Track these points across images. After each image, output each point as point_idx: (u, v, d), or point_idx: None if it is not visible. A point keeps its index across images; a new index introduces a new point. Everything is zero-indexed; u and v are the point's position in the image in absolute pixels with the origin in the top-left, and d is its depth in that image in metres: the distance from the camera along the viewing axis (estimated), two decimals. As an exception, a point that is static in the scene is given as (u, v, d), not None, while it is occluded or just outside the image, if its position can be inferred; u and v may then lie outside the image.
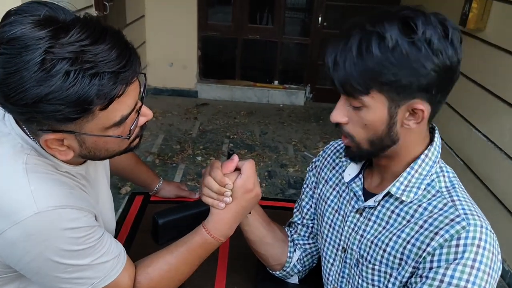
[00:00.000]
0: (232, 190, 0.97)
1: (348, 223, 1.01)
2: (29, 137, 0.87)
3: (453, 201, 0.85)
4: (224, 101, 5.15)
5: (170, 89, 5.14)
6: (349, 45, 0.79)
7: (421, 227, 0.86)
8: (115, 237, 1.40)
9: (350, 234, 1.00)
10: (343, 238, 1.02)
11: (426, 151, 0.90)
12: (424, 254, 0.83)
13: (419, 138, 0.89)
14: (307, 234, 1.18)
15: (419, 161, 0.89)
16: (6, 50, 0.73)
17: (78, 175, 0.96)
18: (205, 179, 0.97)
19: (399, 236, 0.89)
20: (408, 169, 0.89)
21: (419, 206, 0.88)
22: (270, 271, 1.20)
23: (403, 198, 0.89)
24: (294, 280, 1.20)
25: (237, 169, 0.99)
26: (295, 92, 5.19)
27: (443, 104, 0.86)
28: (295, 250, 1.17)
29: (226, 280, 1.26)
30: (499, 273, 0.82)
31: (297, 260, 1.17)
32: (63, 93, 0.73)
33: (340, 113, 0.87)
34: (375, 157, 0.94)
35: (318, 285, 1.11)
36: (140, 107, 0.89)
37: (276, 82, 5.27)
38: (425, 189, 0.89)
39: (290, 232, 1.20)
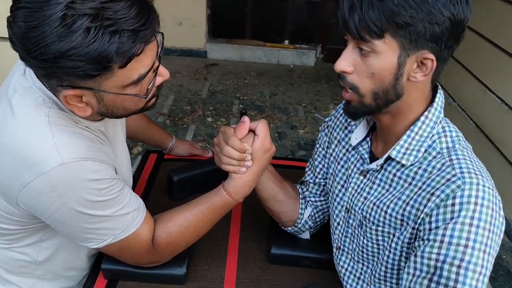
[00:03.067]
0: (251, 153, 0.98)
1: (352, 184, 1.02)
2: (50, 91, 0.88)
3: (451, 160, 0.85)
4: (234, 61, 5.10)
5: (179, 49, 5.09)
6: None
7: (419, 188, 0.86)
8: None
9: (353, 195, 1.01)
10: (346, 199, 1.04)
11: (426, 112, 0.89)
12: (422, 215, 0.84)
13: (422, 96, 0.89)
14: (318, 192, 1.20)
15: (419, 123, 0.89)
16: (28, 4, 0.73)
17: (97, 131, 0.98)
18: (224, 149, 0.97)
19: (399, 198, 0.90)
20: (408, 132, 0.89)
21: (419, 168, 0.88)
22: (282, 227, 1.23)
23: (403, 161, 0.90)
24: (306, 235, 1.23)
25: (250, 130, 1.00)
26: (305, 52, 5.13)
27: (447, 63, 0.85)
28: (306, 207, 1.19)
29: (240, 235, 1.30)
30: (502, 228, 0.83)
31: (308, 217, 1.19)
32: (83, 49, 0.74)
33: (346, 62, 0.85)
34: (377, 114, 0.92)
35: (328, 240, 1.14)
36: (158, 66, 0.89)
37: (286, 42, 5.20)
38: (425, 151, 0.89)
39: (302, 189, 1.22)
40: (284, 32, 5.17)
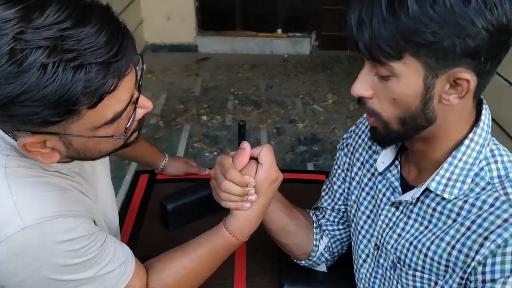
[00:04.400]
0: (255, 186, 0.83)
1: (382, 217, 0.87)
2: (8, 134, 0.72)
3: (506, 194, 0.70)
4: (226, 54, 4.91)
5: (169, 45, 4.90)
6: None
7: (468, 228, 0.71)
8: (120, 225, 1.29)
9: (384, 230, 0.86)
10: (375, 233, 0.89)
11: (471, 134, 0.73)
12: (474, 263, 0.69)
13: (463, 117, 0.73)
14: (337, 220, 1.04)
15: (462, 148, 0.73)
16: None
17: (71, 173, 0.82)
18: (222, 184, 0.82)
19: (442, 239, 0.75)
20: (449, 159, 0.74)
21: (465, 202, 0.73)
22: (295, 260, 1.08)
23: (445, 195, 0.74)
24: (322, 268, 1.08)
25: (252, 158, 0.85)
26: (300, 41, 4.93)
27: (493, 76, 0.69)
28: (322, 237, 1.04)
29: (246, 269, 1.15)
30: None
31: (324, 248, 1.04)
32: (39, 92, 0.58)
33: (363, 85, 0.71)
34: (408, 141, 0.78)
35: (350, 272, 0.99)
36: (137, 98, 0.73)
37: (279, 31, 5.00)
38: (472, 181, 0.73)
39: (316, 216, 1.07)
40: (277, 20, 4.97)
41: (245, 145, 0.84)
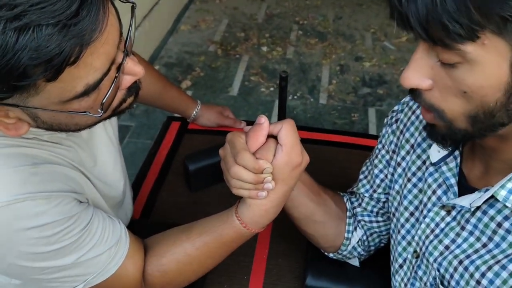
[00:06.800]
0: (273, 172, 0.66)
1: (427, 219, 0.69)
2: None
3: None
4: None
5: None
6: None
7: None
8: (141, 179, 1.19)
9: (427, 237, 0.69)
10: (416, 238, 0.71)
11: None
12: None
13: None
14: (376, 210, 0.87)
15: None
16: None
17: (56, 139, 0.70)
18: (232, 169, 0.66)
19: (504, 267, 0.57)
20: None
21: None
22: (322, 251, 0.93)
23: None
24: (354, 262, 0.92)
25: (271, 136, 0.68)
26: (378, -35, 4.42)
27: None
28: (355, 229, 0.87)
29: (269, 248, 1.02)
30: None
31: (358, 242, 0.88)
32: None
33: (417, 73, 0.53)
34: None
35: (386, 272, 0.83)
36: (120, 64, 0.58)
37: (356, -47, 4.50)
38: None
39: (352, 203, 0.89)
40: None
41: (262, 119, 0.67)
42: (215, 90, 2.94)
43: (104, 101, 0.57)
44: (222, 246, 0.77)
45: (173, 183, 1.18)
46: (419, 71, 0.53)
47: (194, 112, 1.30)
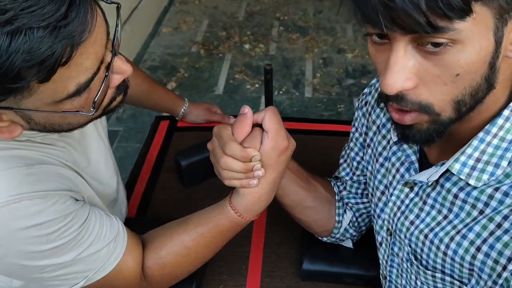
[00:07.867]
0: (261, 159, 0.69)
1: (393, 197, 0.71)
2: None
3: None
4: (274, -26, 4.56)
5: (213, -36, 4.60)
6: None
7: (498, 226, 0.55)
8: (134, 179, 1.20)
9: (395, 215, 0.71)
10: (386, 216, 0.73)
11: None
12: (506, 274, 0.54)
13: (505, 83, 0.55)
14: (359, 191, 0.89)
15: (499, 120, 0.55)
16: None
17: (49, 140, 0.71)
18: (221, 160, 0.68)
19: (464, 236, 0.59)
20: (481, 134, 0.56)
21: (497, 190, 0.56)
22: (316, 236, 0.95)
23: (471, 182, 0.58)
24: (348, 244, 0.95)
25: (255, 124, 0.70)
26: (355, -42, 4.46)
27: None
28: (345, 212, 0.90)
29: (265, 237, 1.04)
30: None
31: (349, 224, 0.90)
32: None
33: (402, 73, 0.50)
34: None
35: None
36: (109, 63, 0.60)
37: None
38: (509, 164, 0.56)
39: (338, 187, 0.92)
40: None
41: (246, 109, 0.69)
42: (200, 90, 2.96)
43: (96, 99, 0.59)
44: (218, 236, 0.79)
45: (167, 180, 1.19)
46: (403, 72, 0.50)
47: (182, 109, 1.32)
